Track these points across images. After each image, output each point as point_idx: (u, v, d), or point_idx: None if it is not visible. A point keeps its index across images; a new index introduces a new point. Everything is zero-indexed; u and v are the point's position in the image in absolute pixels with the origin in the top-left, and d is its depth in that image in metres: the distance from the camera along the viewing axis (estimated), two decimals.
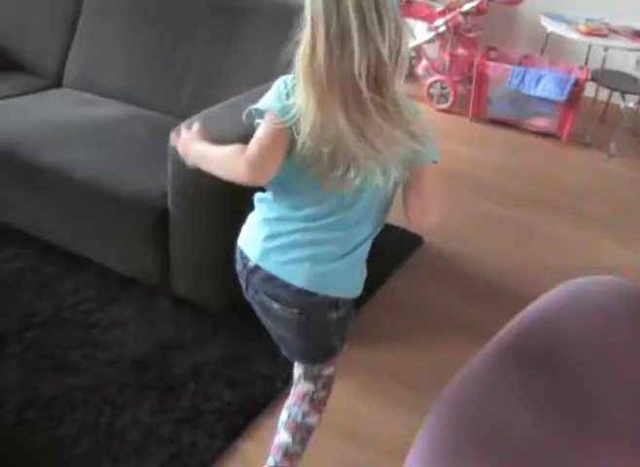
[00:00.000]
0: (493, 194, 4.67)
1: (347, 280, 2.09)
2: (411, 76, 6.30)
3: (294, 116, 1.79)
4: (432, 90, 5.98)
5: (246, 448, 2.61)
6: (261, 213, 2.09)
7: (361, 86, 1.68)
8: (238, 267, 2.15)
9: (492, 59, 5.91)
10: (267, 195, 2.04)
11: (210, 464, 2.50)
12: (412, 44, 6.04)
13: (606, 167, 5.46)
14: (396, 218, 3.87)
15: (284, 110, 1.82)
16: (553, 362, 2.13)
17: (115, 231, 3.04)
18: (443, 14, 5.84)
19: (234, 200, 2.68)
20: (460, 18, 5.80)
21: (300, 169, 1.85)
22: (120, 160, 3.11)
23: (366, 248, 2.14)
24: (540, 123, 5.73)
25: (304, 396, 2.32)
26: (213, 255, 2.81)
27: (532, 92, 5.55)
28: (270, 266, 2.01)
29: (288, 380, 2.83)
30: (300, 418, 2.31)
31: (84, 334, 3.00)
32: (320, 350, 2.25)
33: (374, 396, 2.91)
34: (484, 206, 4.49)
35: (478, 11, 5.85)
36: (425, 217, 2.05)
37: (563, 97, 5.47)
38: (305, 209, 1.96)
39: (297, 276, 1.98)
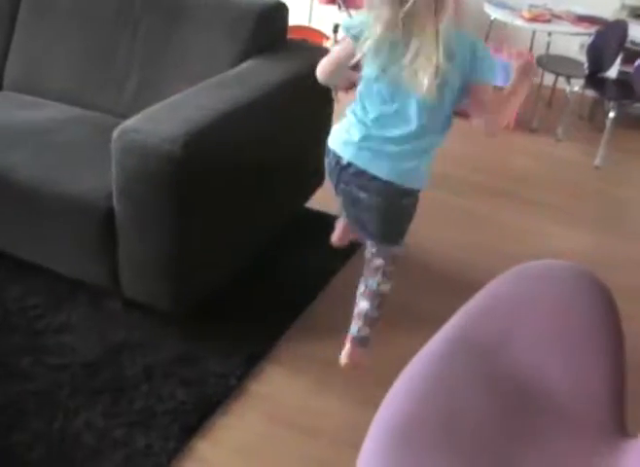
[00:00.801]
0: (442, 183, 4.66)
1: (419, 175, 2.70)
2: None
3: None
4: None
5: (201, 447, 2.60)
6: (354, 119, 2.64)
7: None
8: (329, 166, 2.76)
9: None
10: (358, 105, 2.62)
11: (166, 465, 2.48)
12: None
13: (554, 152, 5.50)
14: None
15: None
16: (503, 347, 2.14)
17: (60, 233, 3.00)
18: None
19: (180, 198, 2.67)
20: None
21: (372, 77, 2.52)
22: (62, 161, 3.07)
23: (433, 152, 2.71)
24: None
25: (377, 269, 2.89)
26: (160, 254, 2.79)
27: None
28: (361, 162, 2.62)
29: (242, 378, 2.84)
30: (375, 287, 2.89)
31: (33, 339, 2.96)
32: (394, 232, 2.87)
33: (331, 391, 2.90)
34: (434, 196, 4.45)
35: None
36: (485, 128, 2.66)
37: (509, 84, 5.47)
38: (387, 119, 2.55)
39: (383, 171, 2.60)
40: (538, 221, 4.39)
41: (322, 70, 2.77)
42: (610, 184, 5.12)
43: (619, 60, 5.76)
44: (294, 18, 6.35)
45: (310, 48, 3.95)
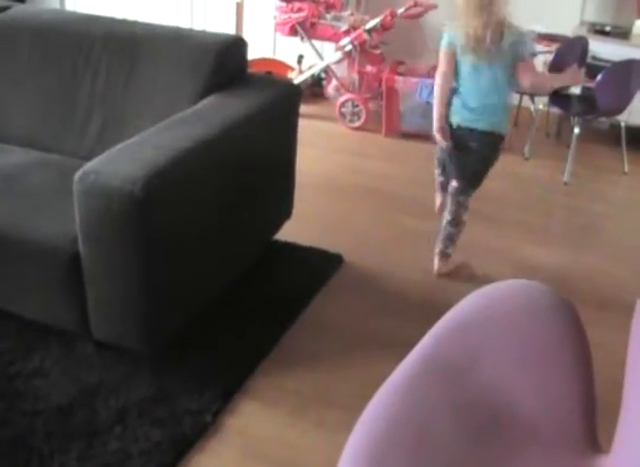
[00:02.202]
0: (412, 207, 4.70)
1: (503, 124, 3.89)
2: (322, 97, 6.33)
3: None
4: (344, 110, 5.98)
5: None
6: (458, 97, 3.86)
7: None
8: (449, 134, 3.90)
9: (401, 74, 5.97)
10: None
11: None
12: (321, 65, 6.08)
13: (522, 170, 5.55)
14: (316, 240, 3.91)
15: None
16: (473, 368, 2.14)
17: (28, 279, 2.99)
18: (348, 33, 5.87)
19: (144, 238, 2.66)
20: (365, 36, 5.83)
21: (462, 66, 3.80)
22: (27, 207, 3.06)
23: (507, 108, 3.97)
24: None
25: (458, 203, 3.97)
26: (128, 295, 2.78)
27: None
28: (467, 123, 3.82)
29: (217, 413, 2.83)
30: (457, 215, 3.97)
31: (5, 385, 2.93)
32: (482, 174, 3.97)
33: (305, 421, 2.89)
34: (404, 221, 4.51)
35: (382, 27, 5.90)
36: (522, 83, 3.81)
37: None
38: (475, 92, 3.78)
39: (481, 124, 3.78)
40: (508, 239, 4.41)
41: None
42: (579, 199, 5.16)
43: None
44: (258, 51, 6.43)
45: (270, 81, 3.97)
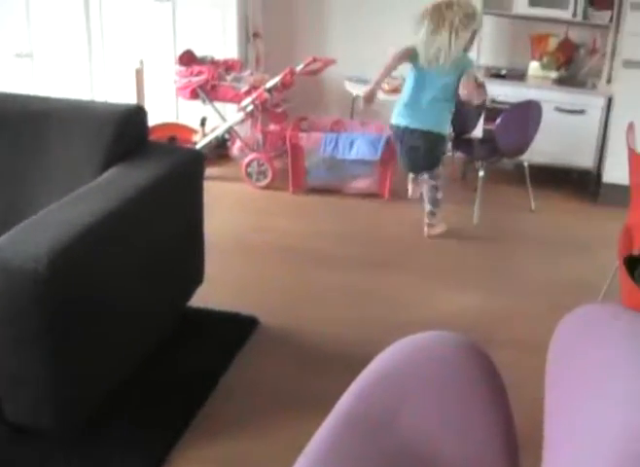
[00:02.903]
0: (323, 261, 4.71)
1: (442, 126, 4.98)
2: (228, 158, 6.34)
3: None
4: (250, 170, 5.97)
5: None
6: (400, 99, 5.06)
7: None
8: (394, 135, 5.15)
9: (304, 130, 6.01)
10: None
11: None
12: (224, 126, 6.09)
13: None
14: (230, 304, 3.88)
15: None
16: (395, 422, 2.13)
17: None
18: (249, 93, 5.90)
19: (50, 316, 2.61)
20: (266, 95, 5.86)
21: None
22: None
23: (448, 112, 5.04)
24: (360, 184, 5.83)
25: (431, 186, 5.18)
26: (37, 375, 2.71)
27: (347, 156, 5.67)
28: (409, 123, 4.93)
29: None
30: (433, 194, 5.20)
31: None
32: (433, 161, 5.07)
33: None
34: (317, 277, 4.51)
35: (283, 85, 5.93)
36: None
37: (377, 157, 5.62)
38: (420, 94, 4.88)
39: (425, 124, 4.89)
40: (423, 287, 4.44)
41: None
42: (489, 240, 5.24)
43: (482, 120, 5.92)
44: (161, 116, 6.42)
45: (171, 149, 3.96)
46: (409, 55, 4.93)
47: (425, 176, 5.22)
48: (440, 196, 5.20)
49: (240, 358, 3.59)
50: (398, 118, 5.06)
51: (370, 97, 5.07)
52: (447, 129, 5.15)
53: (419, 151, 5.00)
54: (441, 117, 5.02)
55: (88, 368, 2.88)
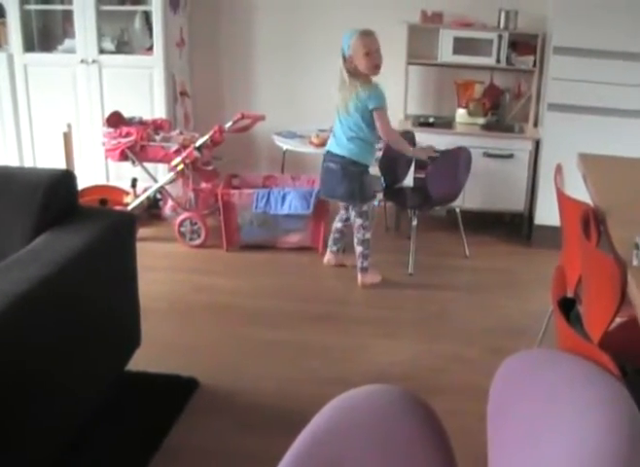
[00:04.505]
0: (260, 318, 4.69)
1: (360, 156, 5.13)
2: (160, 218, 6.31)
3: None
4: (183, 229, 5.94)
5: None
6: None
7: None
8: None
9: (235, 187, 6.02)
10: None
11: None
12: (155, 187, 6.06)
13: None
14: (168, 366, 3.84)
15: None
16: None
17: None
18: (178, 152, 5.88)
19: None
20: (196, 154, 5.84)
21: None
22: None
23: (367, 148, 5.18)
24: (294, 239, 5.83)
25: (358, 225, 5.29)
26: None
27: (279, 212, 5.68)
28: (330, 148, 5.22)
29: None
30: (360, 235, 5.30)
31: None
32: (351, 191, 5.19)
33: None
34: (255, 334, 4.48)
35: (212, 143, 5.93)
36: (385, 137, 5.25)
37: (309, 211, 5.63)
38: (340, 132, 5.14)
39: (342, 150, 5.12)
40: (361, 339, 4.44)
41: None
42: (425, 288, 5.26)
43: (412, 168, 5.98)
44: (91, 178, 6.39)
45: (102, 212, 3.92)
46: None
47: (352, 217, 5.32)
48: (368, 236, 5.28)
49: (182, 420, 3.54)
50: (327, 146, 5.33)
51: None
52: (367, 162, 5.20)
53: (335, 173, 5.17)
54: (359, 149, 5.11)
55: (22, 437, 2.82)
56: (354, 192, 5.18)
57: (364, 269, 5.33)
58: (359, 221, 5.26)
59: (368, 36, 5.00)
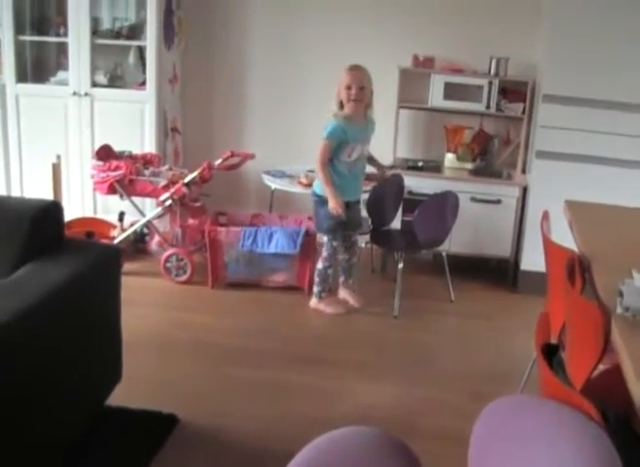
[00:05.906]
0: (242, 357, 4.66)
1: (316, 184, 5.38)
2: (147, 253, 6.29)
3: None
4: (169, 265, 5.92)
5: None
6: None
7: None
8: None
9: (222, 224, 6.01)
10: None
11: None
12: (142, 221, 6.06)
13: (351, 309, 5.57)
14: (148, 402, 3.81)
15: None
16: None
17: None
18: (167, 188, 5.87)
19: None
20: (185, 190, 5.85)
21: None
22: None
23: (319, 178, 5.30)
24: (279, 278, 5.82)
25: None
26: None
27: (266, 250, 5.66)
28: None
29: None
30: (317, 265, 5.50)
31: None
32: (316, 221, 5.49)
33: None
34: (237, 373, 4.45)
35: (201, 179, 5.93)
36: None
37: (296, 250, 5.62)
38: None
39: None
40: (343, 380, 4.42)
41: None
42: (409, 332, 5.25)
43: (400, 211, 5.99)
44: (79, 210, 6.38)
45: (87, 245, 3.91)
46: None
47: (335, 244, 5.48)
48: (320, 266, 5.50)
49: (160, 457, 3.50)
50: None
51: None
52: (322, 192, 5.28)
53: None
54: (317, 179, 5.35)
55: None
56: (317, 224, 5.52)
57: (315, 295, 5.57)
58: (344, 256, 5.64)
59: (353, 70, 5.12)
